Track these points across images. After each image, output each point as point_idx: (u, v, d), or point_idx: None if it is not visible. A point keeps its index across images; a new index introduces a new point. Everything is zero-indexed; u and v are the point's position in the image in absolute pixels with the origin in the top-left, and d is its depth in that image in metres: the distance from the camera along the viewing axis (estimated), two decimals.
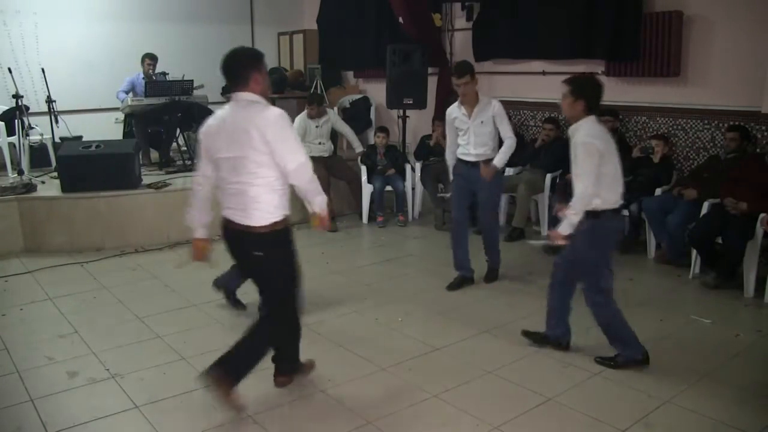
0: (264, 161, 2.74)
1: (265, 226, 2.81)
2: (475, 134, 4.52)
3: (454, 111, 4.61)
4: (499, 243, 4.88)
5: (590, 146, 3.20)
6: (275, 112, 2.77)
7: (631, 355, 3.43)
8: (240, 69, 2.80)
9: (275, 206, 2.83)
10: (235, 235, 2.88)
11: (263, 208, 2.80)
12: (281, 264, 2.95)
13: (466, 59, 5.07)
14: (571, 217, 3.24)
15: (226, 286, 4.29)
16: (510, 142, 4.52)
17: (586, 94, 3.33)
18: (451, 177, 4.82)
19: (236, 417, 2.96)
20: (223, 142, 2.80)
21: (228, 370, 2.89)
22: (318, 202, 2.93)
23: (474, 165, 4.57)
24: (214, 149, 2.84)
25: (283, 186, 2.84)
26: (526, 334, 3.76)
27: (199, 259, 3.12)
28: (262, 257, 2.85)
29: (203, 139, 2.89)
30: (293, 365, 3.28)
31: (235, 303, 4.33)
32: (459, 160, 4.67)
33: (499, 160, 4.53)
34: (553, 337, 3.66)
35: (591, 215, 3.28)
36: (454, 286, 4.72)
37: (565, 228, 3.26)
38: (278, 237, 2.87)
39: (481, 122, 4.51)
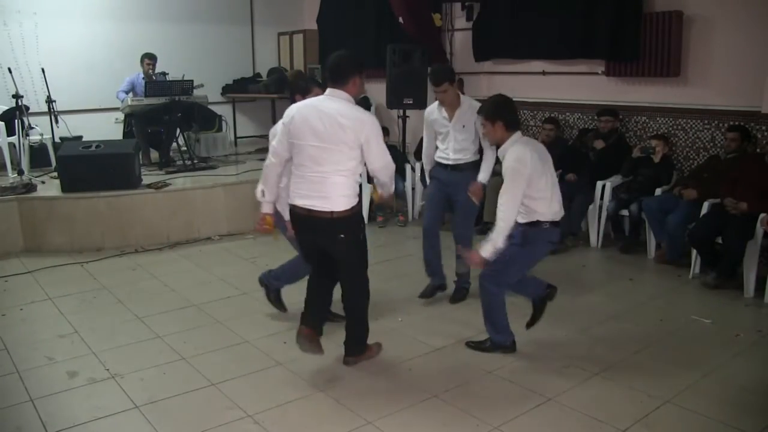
0: (352, 155, 3.05)
1: (347, 210, 3.10)
2: (456, 139, 4.23)
3: (434, 112, 4.32)
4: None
5: (516, 170, 3.30)
6: (371, 117, 3.13)
7: (501, 341, 3.64)
8: (347, 69, 3.12)
9: (354, 193, 3.14)
10: (317, 222, 3.12)
11: (345, 194, 3.09)
12: (362, 241, 3.30)
13: (443, 64, 4.89)
14: (495, 241, 3.30)
15: (272, 283, 4.19)
16: (491, 153, 4.17)
17: (499, 114, 3.40)
18: (428, 181, 4.59)
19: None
20: (313, 131, 3.05)
21: (360, 349, 3.47)
22: (387, 191, 3.35)
23: (453, 168, 4.30)
24: (301, 135, 3.08)
25: (357, 175, 3.16)
26: (471, 345, 3.76)
27: (265, 231, 3.53)
28: (345, 239, 3.15)
29: (291, 122, 3.13)
30: (362, 345, 3.49)
31: (278, 302, 4.21)
32: (437, 164, 4.40)
33: (484, 176, 4.23)
34: (497, 342, 3.68)
35: (529, 225, 3.42)
36: (427, 294, 4.48)
37: (487, 250, 3.32)
38: (357, 218, 3.22)
39: (463, 126, 4.21)
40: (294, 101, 4.03)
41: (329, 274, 3.42)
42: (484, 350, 3.67)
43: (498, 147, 3.53)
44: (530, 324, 3.79)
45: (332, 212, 3.08)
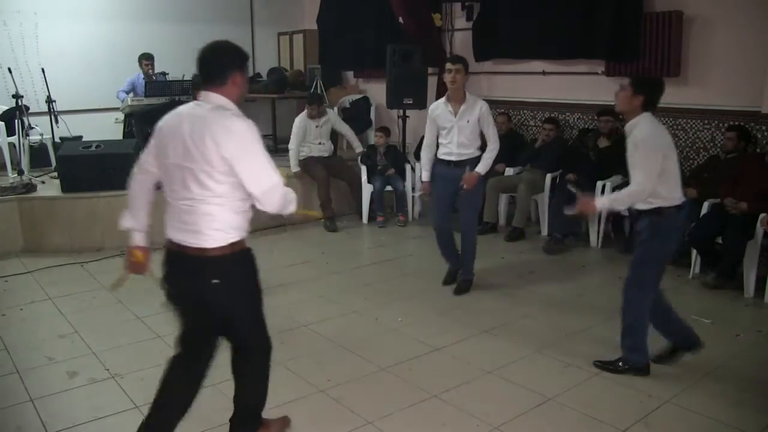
0: (220, 178, 2.29)
1: (222, 247, 2.34)
2: (459, 134, 4.36)
3: (439, 107, 4.43)
4: (475, 248, 4.63)
5: (650, 142, 3.12)
6: (241, 124, 2.29)
7: (636, 362, 3.36)
8: (221, 65, 2.38)
9: (237, 226, 2.37)
10: (186, 263, 2.38)
11: (219, 228, 2.33)
12: (251, 291, 2.49)
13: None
14: (615, 201, 3.20)
15: None
16: (494, 146, 4.36)
17: (646, 89, 3.22)
18: (424, 176, 4.60)
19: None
20: (174, 146, 2.33)
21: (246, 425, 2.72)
22: (291, 209, 2.48)
23: (456, 164, 4.41)
24: (164, 151, 2.39)
25: (242, 203, 2.38)
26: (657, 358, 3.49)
27: (136, 271, 2.61)
28: (219, 286, 2.36)
29: (157, 134, 2.44)
30: (255, 421, 2.77)
31: None
32: (440, 161, 4.49)
33: (483, 167, 4.36)
34: (681, 344, 3.48)
35: (653, 212, 3.19)
36: (449, 280, 4.72)
37: (603, 203, 3.20)
38: (238, 260, 2.40)
39: (467, 121, 4.34)
40: (195, 98, 4.02)
41: (199, 346, 2.59)
42: (614, 371, 3.38)
43: (623, 120, 3.38)
44: (657, 360, 3.49)
45: (203, 248, 2.33)
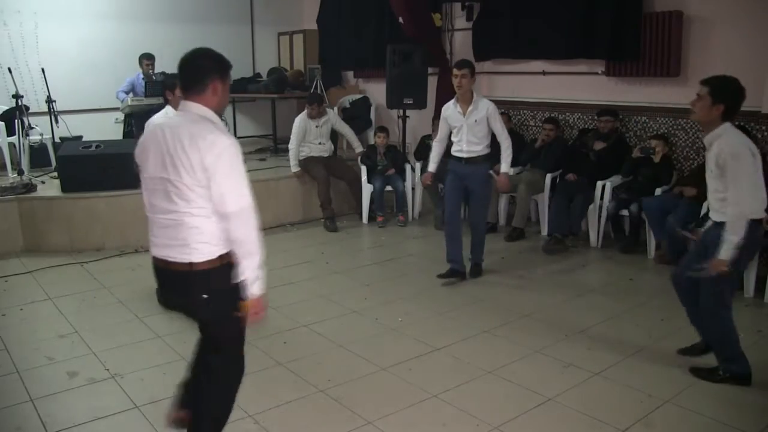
0: (199, 190, 2.23)
1: (210, 261, 2.29)
2: (468, 132, 4.65)
3: (450, 108, 4.74)
4: (485, 240, 4.99)
5: (742, 155, 2.93)
6: (225, 140, 2.23)
7: (736, 371, 3.24)
8: (201, 72, 2.31)
9: (221, 238, 2.30)
10: (174, 276, 2.34)
11: (207, 240, 2.28)
12: (233, 305, 2.37)
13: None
14: (731, 240, 2.93)
15: None
16: (507, 143, 4.69)
17: (727, 97, 3.03)
18: (431, 167, 4.97)
19: None
20: (155, 159, 2.29)
21: None
22: (250, 266, 2.28)
23: (467, 162, 4.72)
24: (144, 165, 2.35)
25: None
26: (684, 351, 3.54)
27: None
28: (208, 300, 2.33)
29: (137, 151, 2.41)
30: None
31: None
32: (452, 157, 4.80)
33: (506, 165, 4.72)
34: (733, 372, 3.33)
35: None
36: (445, 275, 4.82)
37: (727, 252, 2.93)
38: (226, 271, 2.32)
39: (475, 121, 4.63)
40: (167, 101, 4.03)
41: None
42: (715, 381, 3.26)
43: (703, 130, 3.20)
44: (682, 352, 3.54)
45: (191, 263, 2.28)
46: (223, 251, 2.31)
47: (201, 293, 2.32)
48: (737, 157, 2.93)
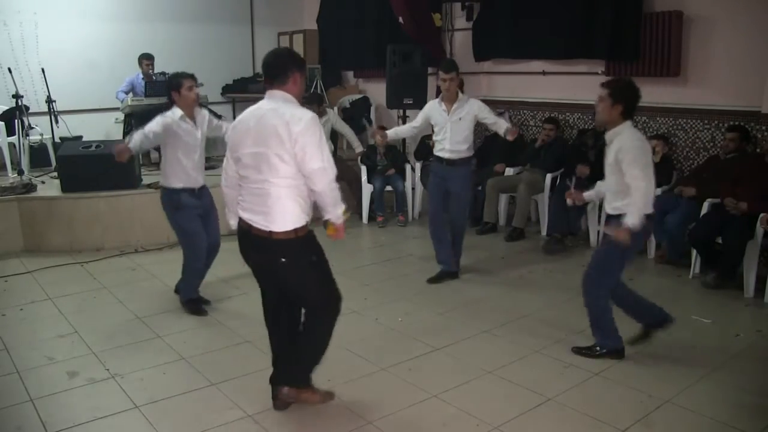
0: (287, 159, 2.68)
1: (288, 231, 2.73)
2: (452, 131, 4.63)
3: (434, 106, 4.74)
4: (464, 239, 5.01)
5: (641, 148, 3.24)
6: (307, 113, 2.74)
7: (611, 346, 3.54)
8: (284, 66, 2.78)
9: (301, 211, 2.76)
10: (256, 241, 2.78)
11: (288, 210, 2.73)
12: (314, 263, 2.86)
13: (452, 58, 5.19)
14: (636, 213, 3.15)
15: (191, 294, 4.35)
16: (503, 123, 4.66)
17: (625, 97, 3.30)
18: (391, 133, 4.89)
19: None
20: (249, 137, 2.75)
21: (298, 379, 2.98)
22: (336, 213, 2.83)
23: (448, 163, 4.70)
24: (239, 144, 2.79)
25: (307, 191, 2.77)
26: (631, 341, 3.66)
27: None
28: (287, 263, 2.76)
29: (231, 134, 2.86)
30: (306, 377, 3.03)
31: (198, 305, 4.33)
32: (434, 158, 4.81)
33: (507, 125, 4.63)
34: (653, 323, 3.64)
35: (622, 217, 3.26)
36: (435, 279, 4.85)
37: (633, 218, 3.14)
38: (302, 243, 2.78)
39: (459, 119, 4.61)
40: (172, 100, 4.05)
41: (284, 296, 2.97)
42: (593, 356, 3.56)
43: (604, 130, 3.51)
44: (632, 342, 3.65)
45: (270, 231, 2.73)
46: (298, 225, 2.75)
47: (280, 257, 2.75)
48: (634, 150, 3.22)
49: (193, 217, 4.18)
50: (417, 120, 4.90)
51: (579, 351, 3.63)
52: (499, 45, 6.88)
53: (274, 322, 3.04)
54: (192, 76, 4.12)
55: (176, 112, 4.04)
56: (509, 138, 4.60)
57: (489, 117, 4.66)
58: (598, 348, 3.58)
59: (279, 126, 2.67)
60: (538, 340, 3.82)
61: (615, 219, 3.34)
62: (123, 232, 5.77)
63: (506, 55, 6.93)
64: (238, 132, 2.81)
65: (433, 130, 4.80)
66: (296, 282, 2.85)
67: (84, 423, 2.96)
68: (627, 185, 3.23)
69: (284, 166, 2.69)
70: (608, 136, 3.39)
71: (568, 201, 3.86)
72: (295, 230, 2.74)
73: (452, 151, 4.65)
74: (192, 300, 4.32)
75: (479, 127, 5.73)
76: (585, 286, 3.52)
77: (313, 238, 2.86)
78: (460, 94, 4.64)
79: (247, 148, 2.75)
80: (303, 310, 2.96)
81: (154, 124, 4.00)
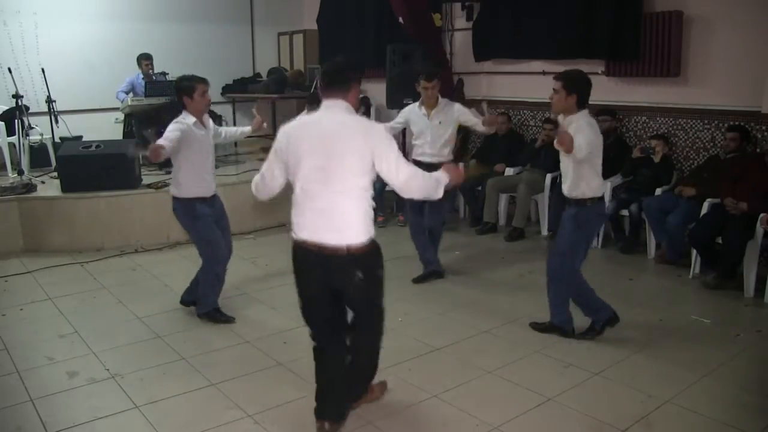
0: (361, 170, 2.57)
1: (366, 244, 2.63)
2: (432, 135, 4.67)
3: (414, 110, 4.78)
4: (439, 243, 5.05)
5: (591, 125, 3.51)
6: (379, 126, 2.72)
7: (604, 317, 3.75)
8: (347, 76, 2.71)
9: (371, 220, 2.68)
10: (331, 260, 2.63)
11: (360, 223, 2.62)
12: (382, 277, 2.77)
13: (434, 65, 5.29)
14: (581, 147, 3.39)
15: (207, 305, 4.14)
16: (478, 120, 4.67)
17: (578, 88, 3.51)
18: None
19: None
20: (315, 151, 2.59)
21: (364, 382, 2.99)
22: (442, 185, 2.73)
23: (429, 167, 4.51)
24: (301, 157, 2.61)
25: (370, 198, 2.68)
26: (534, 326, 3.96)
27: None
28: (363, 279, 2.65)
29: (285, 139, 2.68)
30: (365, 386, 3.04)
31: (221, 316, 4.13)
32: (414, 161, 4.67)
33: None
34: (557, 324, 3.84)
35: (578, 203, 3.58)
36: (420, 279, 4.88)
37: (578, 143, 3.38)
38: (377, 253, 2.72)
39: (440, 123, 4.65)
40: (183, 105, 3.93)
41: (340, 324, 2.87)
42: (597, 334, 3.78)
43: (560, 117, 3.72)
44: (582, 336, 3.83)
45: (348, 247, 2.60)
46: (372, 235, 2.67)
47: (357, 273, 2.64)
48: (587, 125, 3.48)
49: (212, 224, 4.01)
50: (398, 120, 4.93)
51: (583, 336, 3.78)
52: (499, 45, 6.88)
53: (330, 356, 2.90)
54: (204, 81, 3.97)
55: (189, 119, 3.90)
56: (487, 128, 4.68)
57: (470, 119, 4.69)
58: (596, 324, 3.77)
59: (353, 138, 2.58)
60: (538, 340, 3.82)
61: (573, 204, 3.59)
62: (123, 232, 5.77)
63: (506, 55, 6.93)
64: (296, 145, 2.64)
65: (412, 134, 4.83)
66: (373, 294, 2.77)
67: (84, 423, 2.96)
68: (581, 174, 3.53)
69: (357, 179, 2.59)
70: (566, 121, 3.60)
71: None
72: (372, 241, 2.67)
73: (433, 155, 4.65)
74: (214, 310, 4.12)
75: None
76: (556, 274, 3.70)
77: (380, 251, 2.75)
78: (440, 99, 4.70)
79: (312, 161, 2.60)
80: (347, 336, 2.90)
81: (175, 132, 3.80)
